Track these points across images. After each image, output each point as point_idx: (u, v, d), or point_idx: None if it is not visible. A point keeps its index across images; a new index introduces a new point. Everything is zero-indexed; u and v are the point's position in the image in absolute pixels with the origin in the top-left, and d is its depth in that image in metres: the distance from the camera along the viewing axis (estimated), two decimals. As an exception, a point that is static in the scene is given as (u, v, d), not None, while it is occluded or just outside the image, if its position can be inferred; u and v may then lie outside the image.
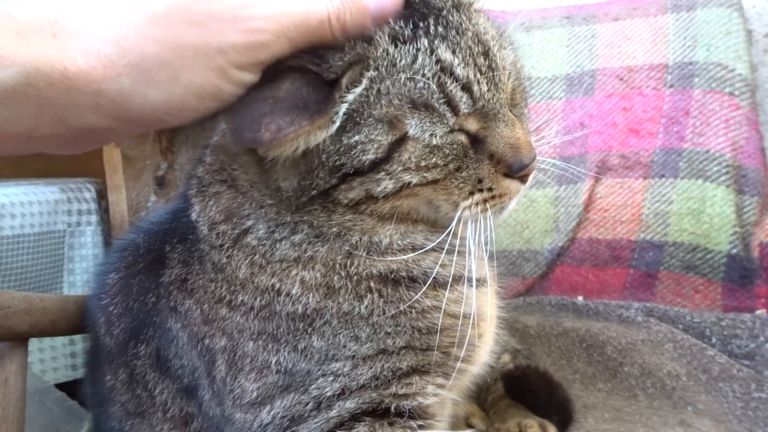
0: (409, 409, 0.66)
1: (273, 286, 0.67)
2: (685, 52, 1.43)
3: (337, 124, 0.60)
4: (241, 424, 0.67)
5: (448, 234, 0.66)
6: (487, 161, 0.65)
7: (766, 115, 1.54)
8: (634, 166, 1.41)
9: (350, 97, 0.60)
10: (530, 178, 0.69)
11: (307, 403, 0.65)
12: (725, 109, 1.39)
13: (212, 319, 0.69)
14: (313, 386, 0.65)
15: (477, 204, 0.66)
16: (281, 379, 0.66)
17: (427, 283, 0.68)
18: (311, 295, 0.66)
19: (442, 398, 0.70)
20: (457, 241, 0.67)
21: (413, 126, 0.61)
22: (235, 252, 0.69)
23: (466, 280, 0.71)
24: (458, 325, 0.68)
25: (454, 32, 0.63)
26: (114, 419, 0.80)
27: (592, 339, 1.22)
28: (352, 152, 0.61)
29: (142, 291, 0.76)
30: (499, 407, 0.95)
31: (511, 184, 0.66)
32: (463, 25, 0.64)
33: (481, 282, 0.73)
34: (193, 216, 0.74)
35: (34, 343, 1.48)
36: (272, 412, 0.65)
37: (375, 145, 0.61)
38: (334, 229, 0.67)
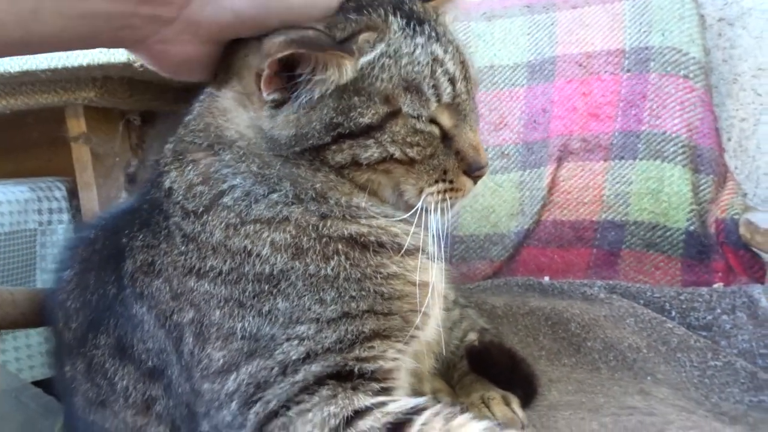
0: (371, 371, 0.68)
1: (245, 248, 0.69)
2: (641, 38, 1.47)
3: (352, 76, 0.68)
4: (209, 395, 0.68)
5: (416, 211, 0.73)
6: (453, 156, 0.75)
7: (721, 97, 1.60)
8: (595, 149, 1.46)
9: (364, 59, 0.68)
10: (479, 182, 0.78)
11: (273, 368, 0.66)
12: (680, 91, 1.44)
13: (181, 293, 0.70)
14: (278, 351, 0.66)
15: (439, 192, 0.74)
16: (246, 345, 0.67)
17: (403, 251, 0.73)
18: (279, 255, 0.68)
19: (401, 363, 0.73)
20: (423, 218, 0.74)
21: (406, 105, 0.70)
22: (209, 217, 0.70)
23: (421, 252, 0.74)
24: (416, 293, 0.72)
25: (444, 38, 0.74)
26: (78, 409, 0.80)
27: (557, 317, 1.25)
28: (351, 113, 0.68)
29: (100, 284, 0.77)
30: (464, 383, 0.98)
31: (467, 182, 0.76)
32: (448, 36, 0.75)
33: (434, 258, 0.77)
34: (167, 183, 0.75)
35: (9, 342, 1.48)
36: (238, 380, 0.66)
37: (372, 111, 0.68)
38: (317, 186, 0.71)
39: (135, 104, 1.51)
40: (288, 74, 0.67)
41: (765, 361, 1.14)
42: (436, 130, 0.73)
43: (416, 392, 0.83)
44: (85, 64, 1.21)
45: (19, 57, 1.24)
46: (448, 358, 1.05)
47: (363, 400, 0.65)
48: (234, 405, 0.67)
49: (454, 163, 0.74)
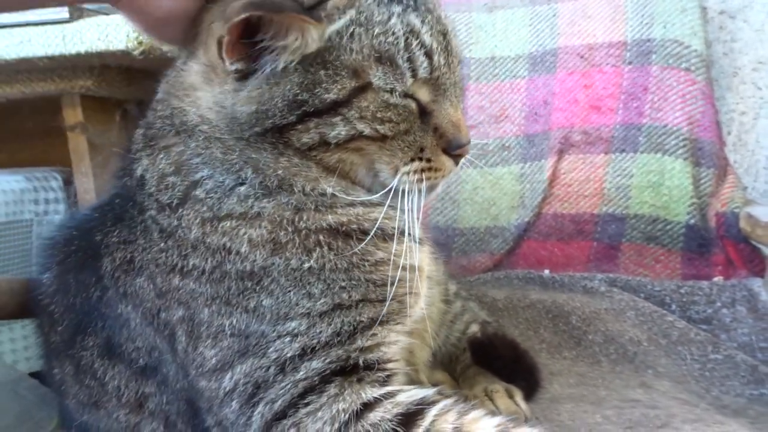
0: (375, 360, 0.67)
1: (224, 245, 0.67)
2: (642, 30, 1.46)
3: (318, 44, 0.64)
4: (208, 393, 0.67)
5: (390, 190, 0.70)
6: (431, 133, 0.71)
7: (721, 90, 1.60)
8: (596, 142, 1.45)
9: (332, 27, 0.64)
10: (461, 161, 0.74)
11: (269, 367, 0.65)
12: (682, 84, 1.43)
13: (166, 290, 0.69)
14: (270, 349, 0.65)
15: (415, 172, 0.70)
16: (236, 343, 0.66)
17: (385, 236, 0.70)
18: (258, 252, 0.66)
19: (400, 345, 0.72)
20: (399, 199, 0.71)
21: (377, 77, 0.65)
22: (184, 211, 0.68)
23: (406, 235, 0.72)
24: (407, 276, 0.69)
25: (423, 8, 0.69)
26: (71, 411, 0.79)
27: (558, 310, 1.26)
28: (316, 89, 0.64)
29: (82, 287, 0.75)
30: (467, 375, 0.98)
31: (447, 161, 0.72)
32: (429, 5, 0.70)
33: (419, 239, 0.75)
34: (139, 171, 0.72)
35: (5, 333, 1.46)
36: (234, 379, 0.65)
37: (338, 86, 0.64)
38: (280, 172, 0.68)
39: (132, 93, 1.49)
40: (251, 41, 0.64)
41: (765, 354, 1.14)
42: (412, 104, 0.69)
43: (413, 382, 0.82)
44: (83, 51, 1.19)
45: (17, 45, 1.22)
46: (451, 351, 1.05)
47: (370, 392, 0.65)
48: (235, 404, 0.66)
49: (432, 140, 0.70)
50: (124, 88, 1.43)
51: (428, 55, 0.68)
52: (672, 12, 1.45)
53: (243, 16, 0.60)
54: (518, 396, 0.90)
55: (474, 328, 1.07)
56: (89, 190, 1.55)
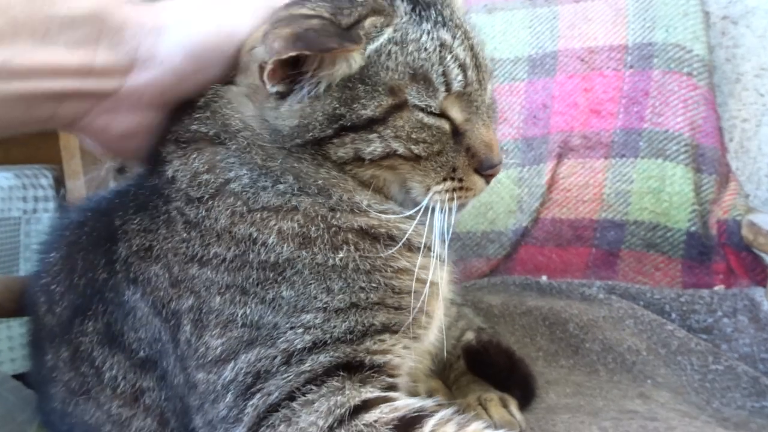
0: (382, 363, 0.67)
1: (250, 235, 0.66)
2: (644, 33, 1.44)
3: (361, 63, 0.66)
4: (204, 387, 0.65)
5: (420, 209, 0.71)
6: (463, 153, 0.71)
7: (723, 97, 1.58)
8: (596, 146, 1.43)
9: (371, 46, 0.66)
10: (492, 180, 0.75)
11: (275, 357, 0.64)
12: (683, 89, 1.41)
13: (181, 280, 0.68)
14: (281, 339, 0.64)
15: (447, 191, 0.71)
16: (246, 333, 0.65)
17: (407, 243, 0.71)
18: (286, 244, 0.66)
19: (407, 360, 0.71)
20: (428, 217, 0.71)
21: (412, 95, 0.67)
22: (215, 202, 0.68)
23: (431, 251, 0.73)
24: (423, 291, 0.70)
25: (451, 23, 0.71)
26: (56, 400, 0.77)
27: (555, 317, 1.23)
28: (354, 105, 0.66)
29: (89, 267, 0.74)
30: (461, 383, 0.96)
31: (478, 181, 0.73)
32: (456, 21, 0.72)
33: (442, 260, 0.75)
34: (170, 173, 0.72)
35: (-10, 334, 1.44)
36: (236, 368, 0.64)
37: (375, 103, 0.66)
38: (320, 182, 0.69)
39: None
40: (293, 71, 0.66)
41: (766, 365, 1.12)
42: (445, 125, 0.70)
43: (411, 393, 0.80)
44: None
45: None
46: (445, 358, 1.02)
47: (371, 393, 0.64)
48: (230, 396, 0.64)
49: (464, 160, 0.71)
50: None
51: (462, 68, 0.69)
52: (674, 16, 1.43)
53: (292, 54, 0.61)
54: (513, 405, 0.88)
55: (469, 336, 1.04)
56: (79, 187, 1.53)
